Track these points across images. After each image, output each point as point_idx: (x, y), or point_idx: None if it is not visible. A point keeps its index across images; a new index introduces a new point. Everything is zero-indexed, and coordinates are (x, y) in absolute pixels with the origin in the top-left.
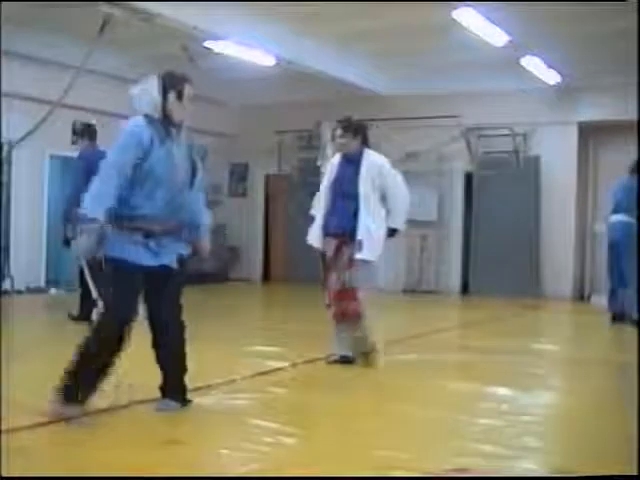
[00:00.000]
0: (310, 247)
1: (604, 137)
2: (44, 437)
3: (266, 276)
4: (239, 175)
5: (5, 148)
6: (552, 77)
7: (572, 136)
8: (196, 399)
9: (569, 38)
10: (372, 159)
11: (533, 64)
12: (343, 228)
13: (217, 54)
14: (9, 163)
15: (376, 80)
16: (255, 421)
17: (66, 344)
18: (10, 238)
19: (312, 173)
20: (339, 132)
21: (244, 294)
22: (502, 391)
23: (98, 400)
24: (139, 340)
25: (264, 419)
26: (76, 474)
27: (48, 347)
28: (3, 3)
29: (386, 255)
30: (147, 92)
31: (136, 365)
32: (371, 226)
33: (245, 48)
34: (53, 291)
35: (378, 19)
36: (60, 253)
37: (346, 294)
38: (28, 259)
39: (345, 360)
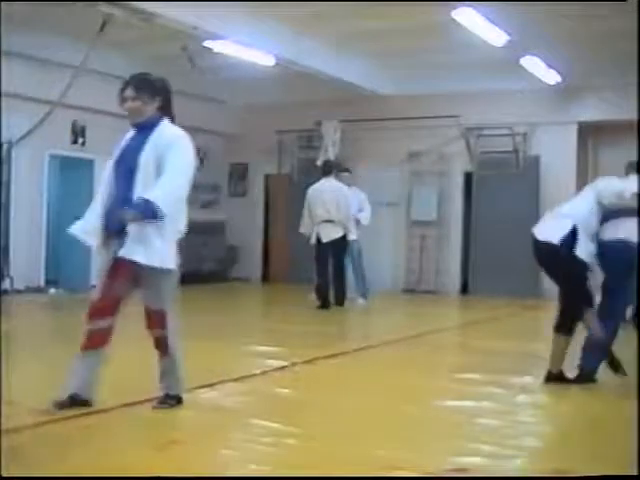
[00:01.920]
0: (310, 247)
1: (604, 137)
2: (43, 438)
3: (265, 276)
4: (239, 175)
5: (4, 148)
6: (552, 77)
7: (572, 136)
8: (196, 399)
9: (569, 38)
10: (168, 130)
11: (533, 64)
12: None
13: (217, 54)
14: (9, 163)
15: (376, 80)
16: (255, 421)
17: (65, 344)
18: (10, 238)
19: (312, 173)
20: (129, 92)
21: (244, 294)
22: (501, 391)
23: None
24: (132, 340)
25: (264, 419)
26: (76, 475)
27: (48, 347)
28: (3, 3)
29: (386, 254)
30: None
31: (132, 365)
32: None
33: (245, 48)
34: (52, 291)
35: (378, 19)
36: (60, 253)
37: (151, 318)
38: (28, 259)
39: (74, 402)
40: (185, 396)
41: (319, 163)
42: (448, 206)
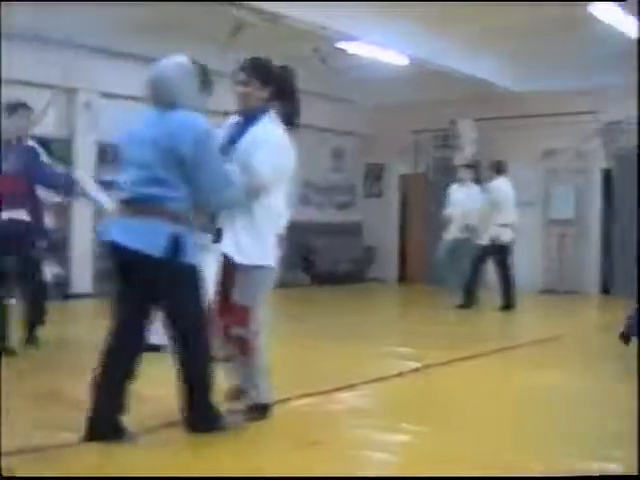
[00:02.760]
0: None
1: None
2: (178, 437)
3: (402, 277)
4: (374, 175)
5: None
6: None
7: None
8: (335, 399)
9: None
10: (267, 126)
11: None
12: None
13: (350, 55)
14: None
15: (511, 77)
16: (391, 422)
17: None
18: None
19: (448, 172)
20: (241, 76)
21: (380, 295)
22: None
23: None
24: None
25: (400, 419)
26: (219, 475)
27: None
28: None
29: (523, 254)
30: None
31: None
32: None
33: (378, 48)
34: None
35: (511, 15)
36: None
37: (233, 313)
38: None
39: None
40: (325, 397)
41: (456, 162)
42: (586, 204)
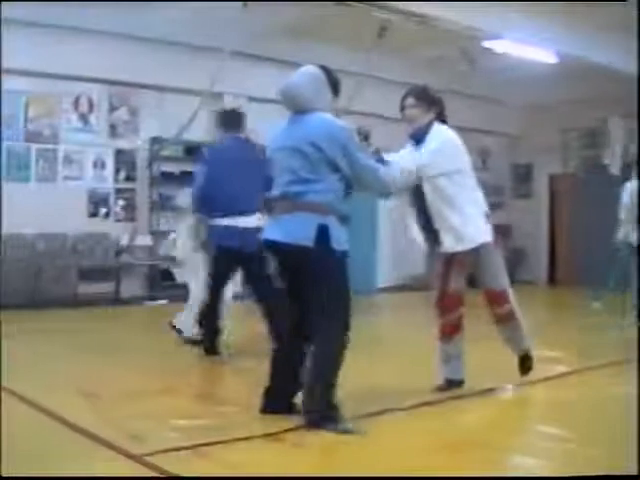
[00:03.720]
0: (599, 249)
1: None
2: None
3: (552, 279)
4: (522, 176)
5: None
6: None
7: None
8: (483, 401)
9: None
10: (435, 131)
11: None
12: None
13: (496, 54)
14: None
15: None
16: (536, 426)
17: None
18: None
19: (598, 172)
20: (410, 101)
21: (528, 297)
22: None
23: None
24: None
25: (546, 424)
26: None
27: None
28: None
29: None
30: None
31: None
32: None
33: (525, 46)
34: None
35: None
36: None
37: (490, 298)
38: None
39: (450, 385)
40: (476, 399)
41: (606, 162)
42: None
